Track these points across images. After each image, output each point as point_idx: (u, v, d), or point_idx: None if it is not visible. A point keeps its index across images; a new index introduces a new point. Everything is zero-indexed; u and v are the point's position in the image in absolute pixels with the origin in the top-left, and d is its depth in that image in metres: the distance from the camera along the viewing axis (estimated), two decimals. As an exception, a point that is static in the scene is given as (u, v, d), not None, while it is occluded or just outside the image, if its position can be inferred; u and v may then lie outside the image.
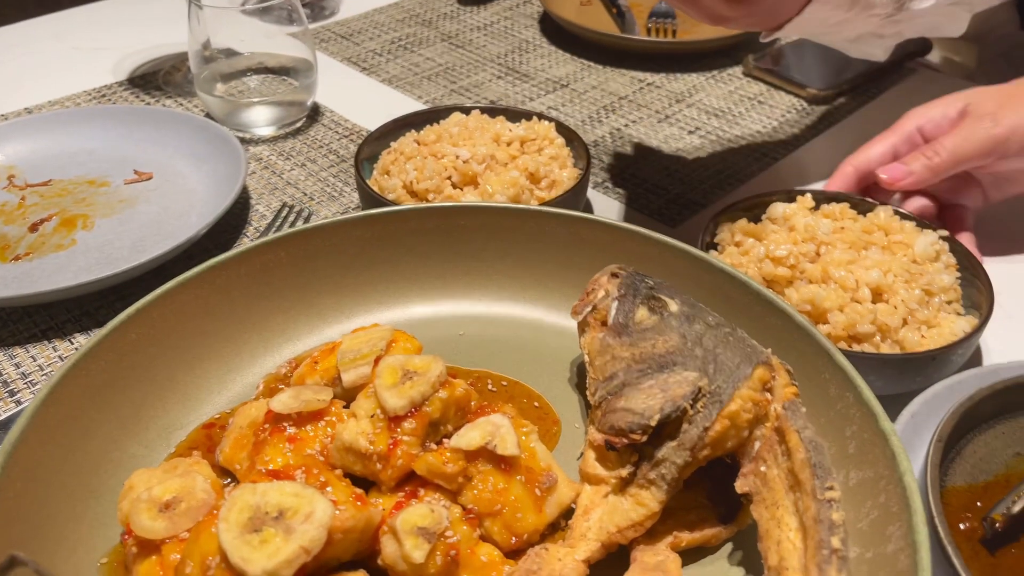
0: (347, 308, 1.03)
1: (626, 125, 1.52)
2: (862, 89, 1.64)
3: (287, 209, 1.27)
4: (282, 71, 1.53)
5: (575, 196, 1.17)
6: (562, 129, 1.29)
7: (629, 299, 0.87)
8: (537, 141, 1.25)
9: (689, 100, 1.61)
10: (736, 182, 1.35)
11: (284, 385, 0.95)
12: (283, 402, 0.82)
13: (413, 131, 1.29)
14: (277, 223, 1.24)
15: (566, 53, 1.81)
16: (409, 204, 1.06)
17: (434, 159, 1.19)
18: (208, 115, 1.51)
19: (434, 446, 0.79)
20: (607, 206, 1.29)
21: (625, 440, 0.75)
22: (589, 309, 0.90)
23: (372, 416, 0.79)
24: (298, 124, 1.52)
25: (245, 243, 1.21)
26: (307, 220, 1.25)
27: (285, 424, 0.82)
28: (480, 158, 1.18)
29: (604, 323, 0.88)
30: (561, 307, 1.04)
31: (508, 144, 1.23)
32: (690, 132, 1.50)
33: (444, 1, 2.07)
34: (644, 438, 0.74)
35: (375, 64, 1.77)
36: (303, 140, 1.48)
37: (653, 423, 0.73)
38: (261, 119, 1.48)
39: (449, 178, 1.18)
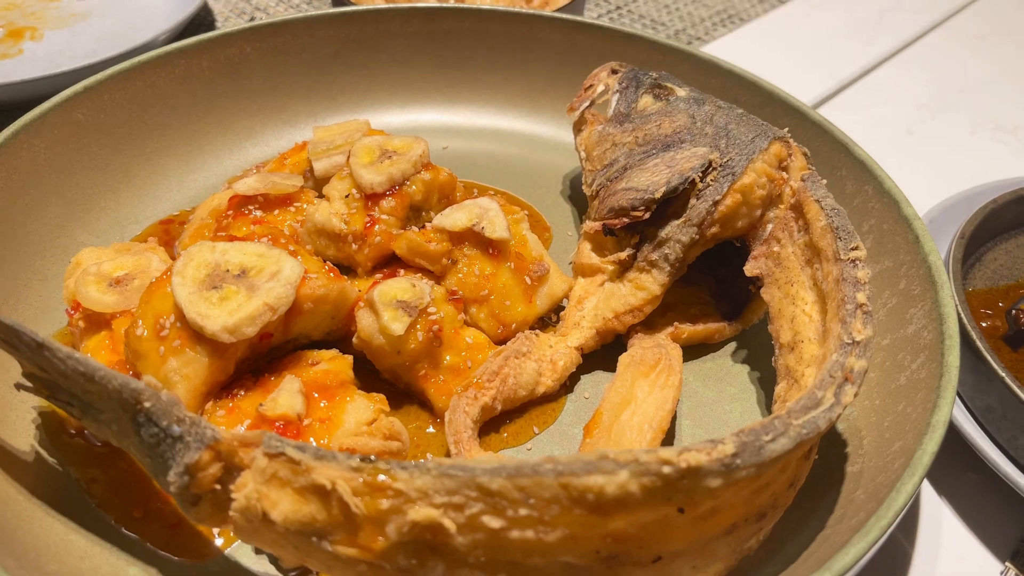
0: (319, 113, 0.94)
1: (623, -35, 1.42)
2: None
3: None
4: None
5: (572, 11, 1.07)
6: (556, -48, 1.18)
7: (632, 90, 0.79)
8: (529, -39, 1.15)
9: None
10: (739, 21, 1.27)
11: (251, 188, 0.88)
12: (249, 184, 0.74)
13: (395, -54, 1.18)
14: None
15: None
16: (389, 4, 0.96)
17: (417, -28, 1.09)
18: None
19: (416, 230, 0.72)
20: (603, 38, 1.20)
21: (626, 219, 0.68)
22: (587, 105, 0.82)
23: (347, 196, 0.72)
24: (269, -46, 1.40)
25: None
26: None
27: (250, 208, 0.74)
28: (468, -28, 1.08)
29: (602, 119, 0.81)
30: (554, 120, 0.96)
31: (498, -38, 1.13)
32: (691, -26, 1.40)
33: None
34: (647, 214, 0.67)
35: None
36: (274, -31, 1.36)
37: (658, 195, 0.66)
38: (229, -55, 1.35)
39: (434, -7, 1.08)
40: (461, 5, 0.95)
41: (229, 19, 1.22)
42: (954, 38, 1.27)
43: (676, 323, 0.70)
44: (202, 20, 1.20)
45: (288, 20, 0.91)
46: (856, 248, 0.58)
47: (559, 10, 1.05)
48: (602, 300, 0.69)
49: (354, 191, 0.71)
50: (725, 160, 0.67)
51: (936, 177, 0.99)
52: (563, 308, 0.73)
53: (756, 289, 0.68)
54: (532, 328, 0.71)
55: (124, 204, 0.81)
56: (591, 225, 0.72)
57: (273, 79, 0.92)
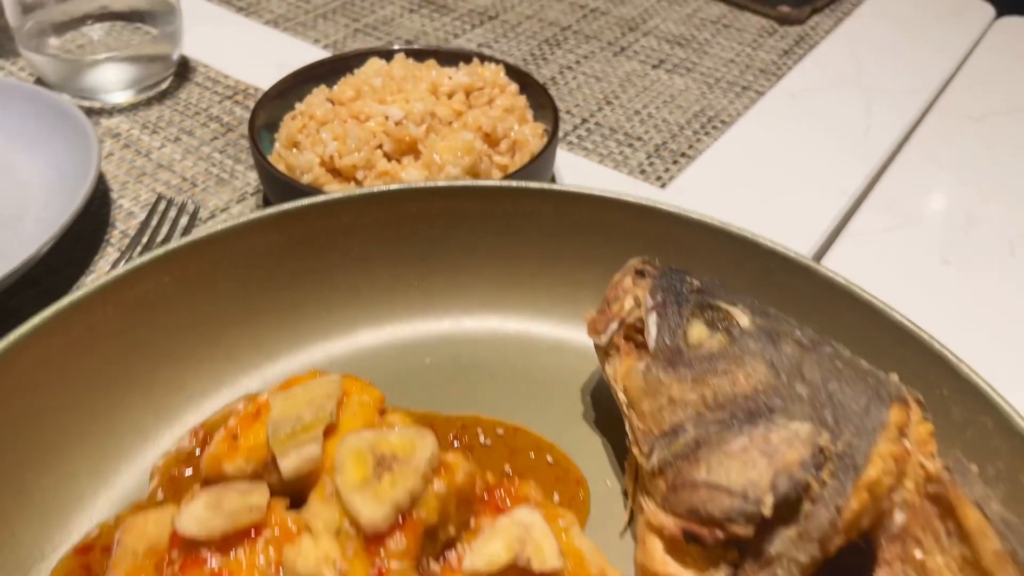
0: (265, 345, 0.75)
1: (577, 62, 1.26)
2: (837, 4, 1.43)
3: (164, 202, 0.95)
4: (134, 16, 1.19)
5: (546, 161, 0.91)
6: (513, 73, 1.02)
7: (672, 309, 0.63)
8: (485, 90, 0.98)
9: (644, 27, 1.35)
10: (721, 123, 1.12)
11: (190, 468, 0.67)
12: (198, 519, 0.54)
13: (323, 86, 0.99)
14: (153, 223, 0.93)
15: (485, -23, 1.52)
16: (337, 191, 0.78)
17: (356, 123, 0.91)
18: (39, 80, 1.15)
19: (435, 566, 0.54)
20: (576, 165, 1.04)
21: (720, 534, 0.51)
22: (616, 327, 0.65)
23: (338, 532, 0.53)
24: (164, 85, 1.19)
25: (109, 260, 0.90)
26: (193, 216, 0.94)
27: (204, 550, 0.54)
28: (418, 117, 0.90)
29: (639, 343, 0.64)
30: (554, 314, 0.79)
31: (450, 96, 0.96)
32: (654, 66, 1.25)
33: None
34: (751, 531, 0.51)
35: (253, 2, 1.43)
36: (172, 106, 1.15)
37: (767, 511, 0.50)
38: (113, 81, 1.13)
39: (380, 147, 0.90)
40: (424, 184, 0.77)
41: (127, 184, 1.01)
42: (951, 125, 1.15)
43: (791, 648, 0.54)
44: (92, 195, 0.98)
45: (212, 235, 0.71)
46: (1067, 603, 0.43)
47: (535, 160, 0.88)
48: (697, 638, 0.53)
49: (346, 523, 0.53)
50: (840, 447, 0.51)
51: (997, 327, 0.85)
52: (633, 623, 0.56)
53: (890, 596, 0.53)
54: (600, 664, 0.54)
55: (21, 535, 0.60)
56: (664, 523, 0.55)
57: (202, 310, 0.72)
